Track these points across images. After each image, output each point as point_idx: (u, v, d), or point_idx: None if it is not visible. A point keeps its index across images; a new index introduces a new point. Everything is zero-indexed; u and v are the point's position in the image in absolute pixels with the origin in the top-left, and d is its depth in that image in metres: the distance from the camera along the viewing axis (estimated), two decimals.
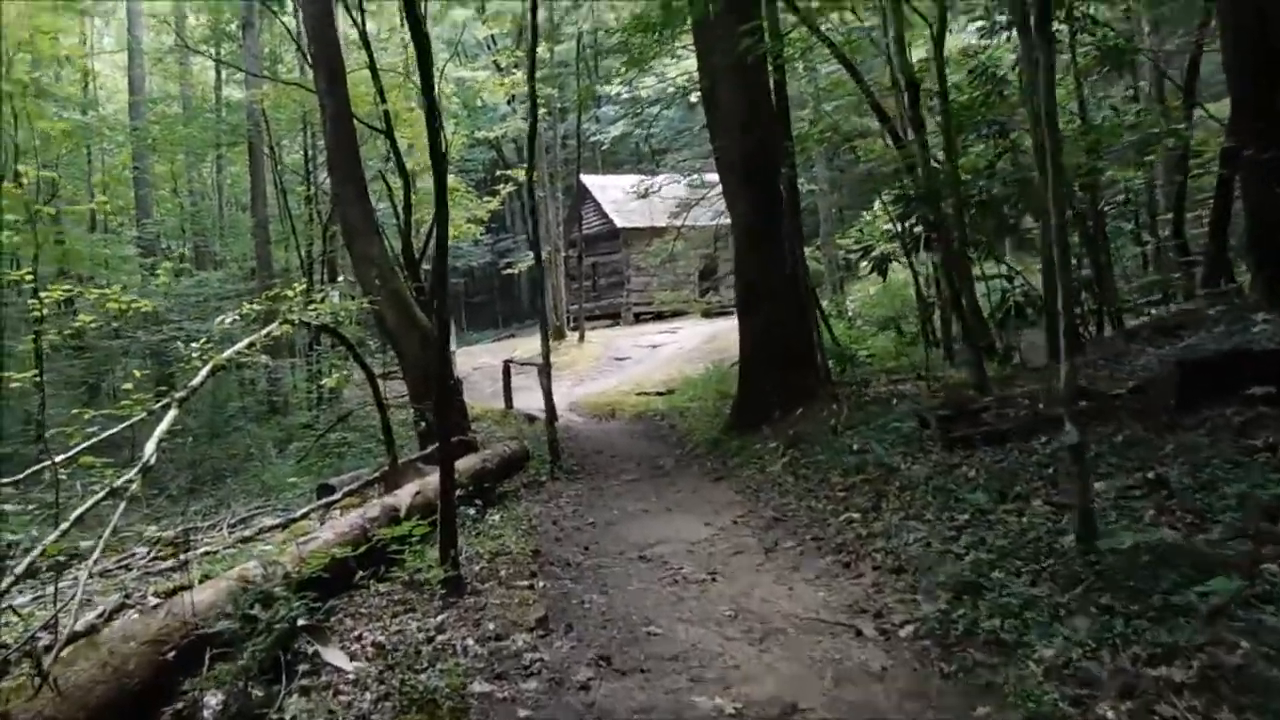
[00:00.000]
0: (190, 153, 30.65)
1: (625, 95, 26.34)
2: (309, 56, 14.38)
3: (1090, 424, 6.99)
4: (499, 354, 29.60)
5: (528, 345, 33.26)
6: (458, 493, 9.23)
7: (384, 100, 16.77)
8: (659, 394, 21.22)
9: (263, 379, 22.43)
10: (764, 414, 12.05)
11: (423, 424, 12.95)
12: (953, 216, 12.97)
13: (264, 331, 8.44)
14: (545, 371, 12.74)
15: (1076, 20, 12.60)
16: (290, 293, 8.77)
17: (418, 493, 8.58)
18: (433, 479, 9.01)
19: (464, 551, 7.28)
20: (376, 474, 10.81)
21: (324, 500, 10.26)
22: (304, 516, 10.01)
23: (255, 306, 8.90)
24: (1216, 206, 13.17)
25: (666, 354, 27.02)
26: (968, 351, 9.06)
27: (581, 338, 30.72)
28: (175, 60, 30.04)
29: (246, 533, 9.27)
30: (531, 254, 33.36)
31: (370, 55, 16.82)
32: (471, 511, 9.07)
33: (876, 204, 30.73)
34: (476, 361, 30.08)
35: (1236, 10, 10.24)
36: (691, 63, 22.43)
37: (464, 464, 10.01)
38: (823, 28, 15.82)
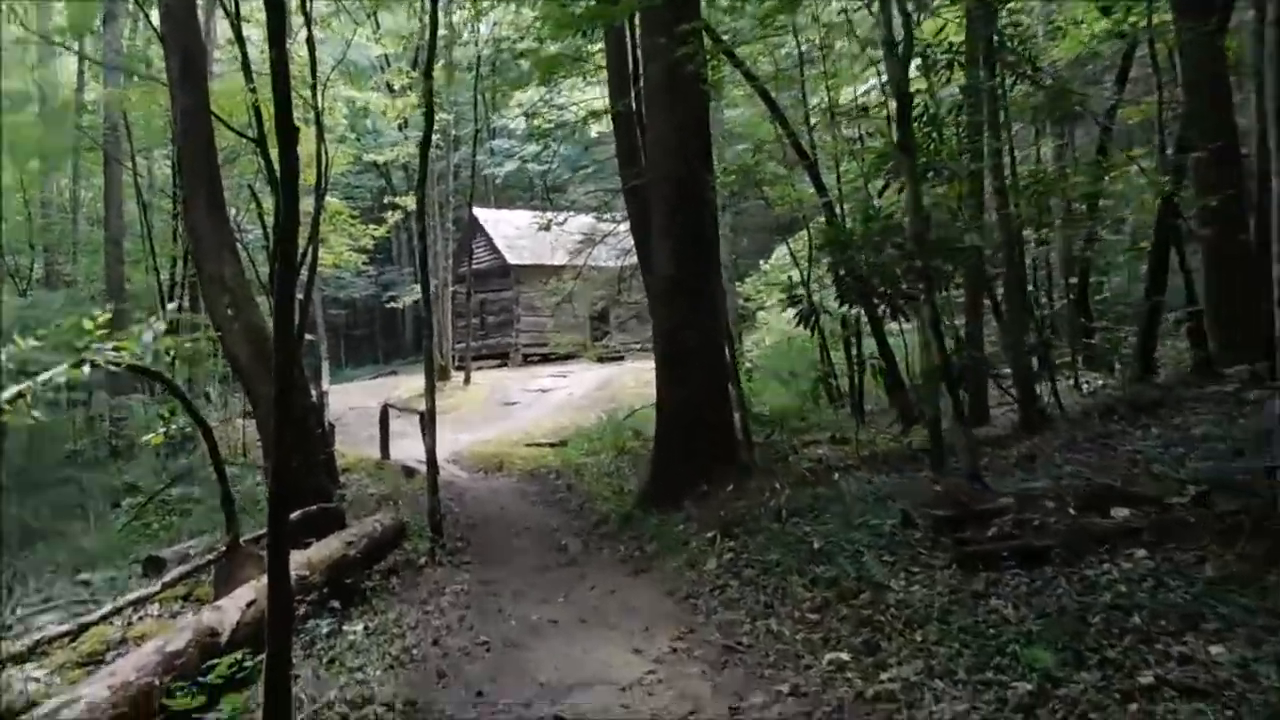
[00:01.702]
0: (45, 158, 27.24)
1: (522, 122, 24.33)
2: (162, 40, 11.88)
3: (1160, 546, 5.20)
4: (378, 393, 26.92)
5: (409, 383, 30.57)
6: (308, 597, 6.93)
7: (255, 95, 14.38)
8: (551, 445, 19.06)
9: (106, 417, 19.38)
10: (684, 487, 10.05)
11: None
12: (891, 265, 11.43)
13: (44, 377, 6.04)
14: (429, 429, 10.45)
15: (1015, 62, 11.22)
16: (89, 324, 6.36)
17: (251, 603, 6.24)
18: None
19: (307, 707, 5.01)
20: (211, 557, 8.38)
21: (132, 596, 7.79)
22: (104, 619, 7.55)
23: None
24: (1153, 265, 11.88)
25: (557, 400, 24.86)
26: (957, 427, 7.20)
27: (467, 379, 28.29)
28: (32, 55, 26.65)
29: (18, 645, 6.77)
30: (418, 288, 30.92)
31: (241, 43, 14.42)
32: (325, 626, 6.73)
33: (777, 252, 29.56)
34: (352, 401, 27.32)
35: None
36: (592, 92, 20.69)
37: (321, 552, 7.69)
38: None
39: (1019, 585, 5.22)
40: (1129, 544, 5.30)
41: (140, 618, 8.38)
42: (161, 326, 7.51)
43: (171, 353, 7.46)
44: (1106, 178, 12.72)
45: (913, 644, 5.14)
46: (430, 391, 10.44)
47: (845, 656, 5.29)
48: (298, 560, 7.24)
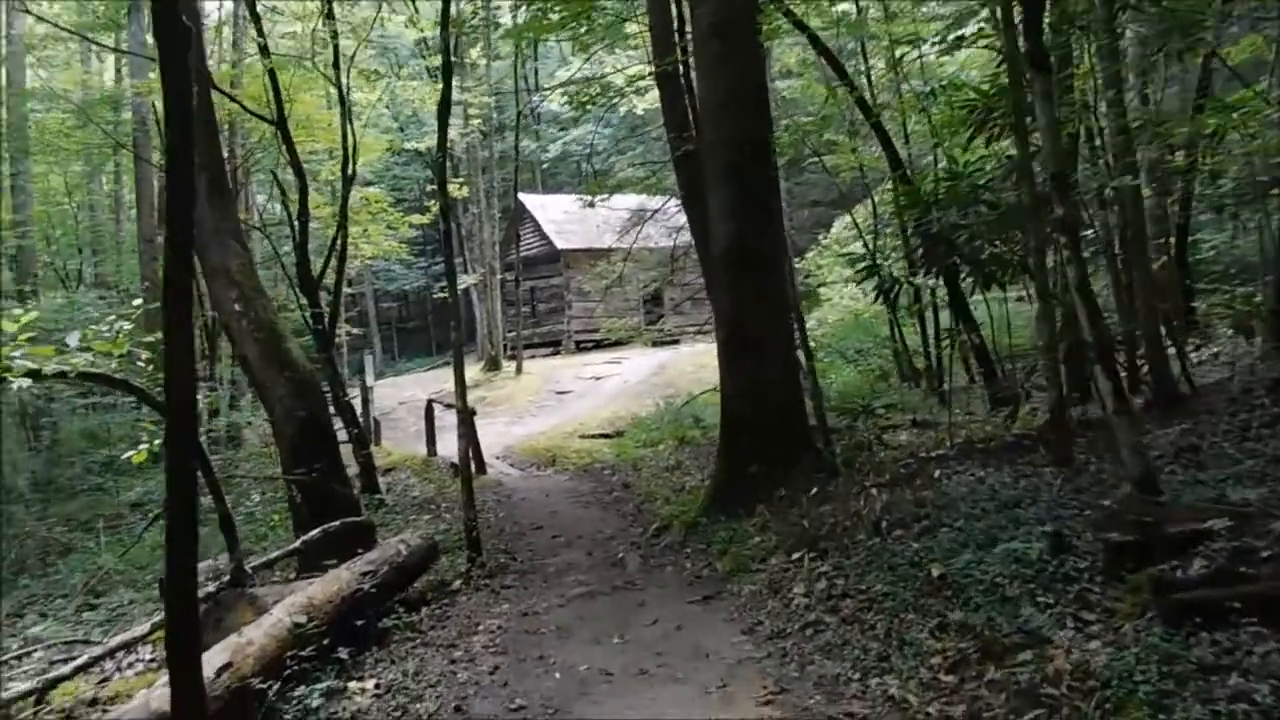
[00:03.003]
0: (89, 159, 26.40)
1: (565, 106, 22.78)
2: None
3: None
4: (430, 385, 25.62)
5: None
6: (304, 651, 5.47)
7: (273, 80, 13.02)
8: (605, 436, 17.55)
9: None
10: (757, 488, 8.43)
11: (297, 499, 9.14)
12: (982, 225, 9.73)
13: None
14: (464, 432, 8.96)
15: None
16: (10, 326, 4.94)
17: (224, 668, 4.79)
18: (271, 625, 5.30)
19: None
20: (210, 589, 6.99)
21: (114, 642, 6.45)
22: (80, 671, 6.23)
23: None
24: None
25: (611, 388, 23.33)
26: (1121, 418, 5.43)
27: (519, 369, 26.88)
28: (73, 52, 25.77)
29: None
30: (467, 277, 29.58)
31: (256, 20, 13.08)
32: (317, 695, 5.24)
33: (838, 224, 27.68)
34: (404, 394, 26.10)
35: None
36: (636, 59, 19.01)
37: (326, 590, 6.23)
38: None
39: (1271, 656, 3.55)
40: None
41: (130, 664, 7.04)
42: (127, 326, 6.13)
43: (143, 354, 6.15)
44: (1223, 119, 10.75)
45: None
46: (461, 392, 8.96)
47: None
48: (294, 604, 5.80)
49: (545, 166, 40.21)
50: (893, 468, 8.51)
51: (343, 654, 5.87)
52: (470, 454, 8.85)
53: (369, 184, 26.63)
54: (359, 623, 6.19)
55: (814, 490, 7.85)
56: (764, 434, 8.75)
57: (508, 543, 9.89)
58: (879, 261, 10.88)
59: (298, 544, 8.19)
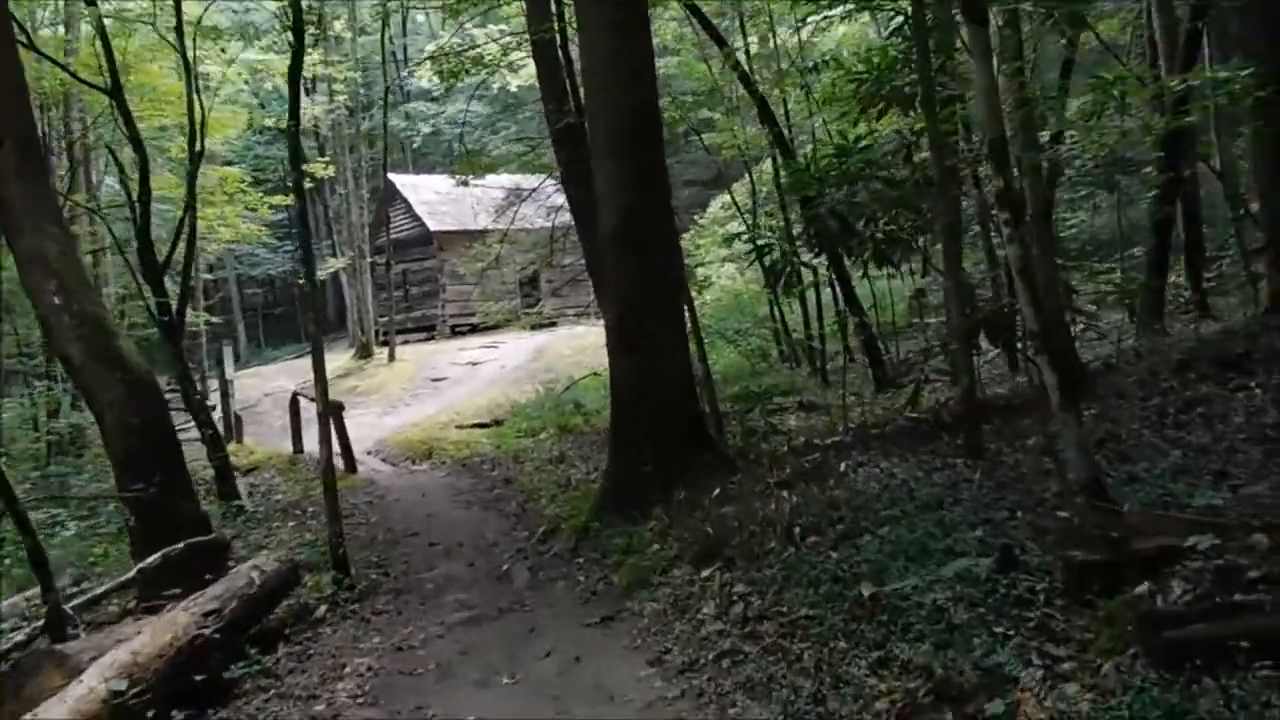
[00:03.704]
0: None
1: (436, 82, 21.42)
2: None
3: None
4: (298, 374, 23.91)
5: (333, 361, 27.64)
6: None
7: (104, 40, 11.48)
8: (484, 426, 16.55)
9: None
10: (652, 487, 7.65)
11: (131, 521, 7.89)
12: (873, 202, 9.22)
13: None
14: (324, 438, 7.86)
15: None
16: None
17: None
18: (79, 697, 4.24)
19: None
20: (11, 640, 5.81)
21: None
22: None
23: None
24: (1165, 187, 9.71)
25: (489, 373, 22.26)
26: (1065, 414, 4.84)
27: (392, 355, 25.46)
28: None
29: None
30: (335, 262, 27.84)
31: None
32: None
33: (714, 204, 27.17)
34: (269, 385, 24.36)
35: None
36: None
37: (155, 643, 5.14)
38: None
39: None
40: None
41: None
42: None
43: None
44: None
45: None
46: (323, 390, 7.85)
47: None
48: (113, 664, 4.70)
49: (416, 146, 38.44)
50: (794, 461, 7.87)
51: (177, 719, 4.82)
52: (333, 459, 7.77)
53: (229, 164, 24.69)
54: (198, 677, 5.14)
55: (716, 491, 7.11)
56: (658, 427, 7.97)
57: (380, 554, 8.87)
58: (771, 241, 10.23)
59: (132, 573, 6.99)
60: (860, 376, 12.95)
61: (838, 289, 14.03)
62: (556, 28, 11.48)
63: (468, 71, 12.37)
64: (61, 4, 17.26)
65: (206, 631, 5.42)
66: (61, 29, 17.64)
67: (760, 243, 10.12)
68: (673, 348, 8.19)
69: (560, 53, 12.09)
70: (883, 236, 9.44)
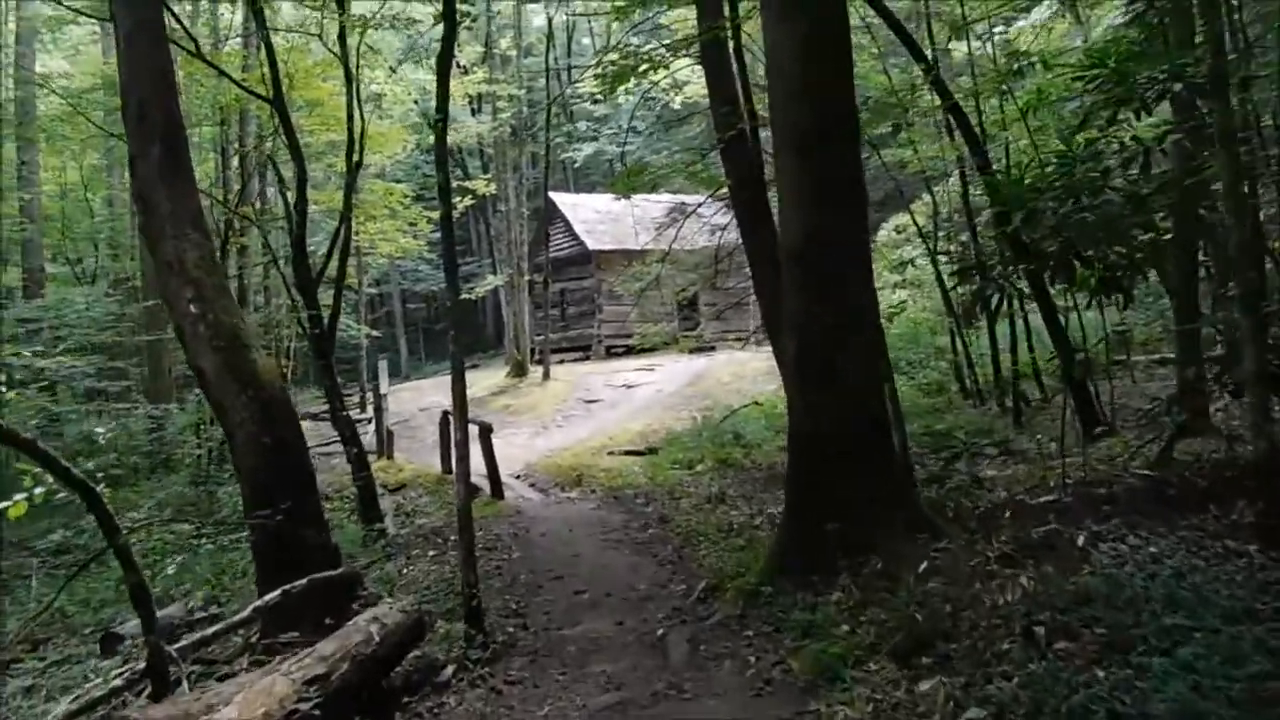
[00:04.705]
0: (111, 152, 24.64)
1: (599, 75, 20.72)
2: None
3: None
4: None
5: (487, 379, 27.42)
6: None
7: (269, 50, 11.12)
8: (637, 453, 15.50)
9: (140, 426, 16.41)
10: (836, 552, 6.31)
11: (263, 543, 7.17)
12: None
13: None
14: (461, 473, 6.88)
15: None
16: None
17: None
18: None
19: None
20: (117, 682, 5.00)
21: None
22: None
23: None
24: None
25: (644, 397, 21.27)
26: None
27: (546, 374, 24.87)
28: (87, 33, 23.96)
29: None
30: (493, 278, 27.57)
31: None
32: None
33: (884, 227, 25.48)
34: (425, 399, 24.14)
35: None
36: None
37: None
38: None
39: None
40: None
41: None
42: None
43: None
44: None
45: None
46: (462, 422, 6.88)
47: None
48: None
49: (577, 166, 38.24)
50: (1012, 526, 6.39)
51: None
52: (470, 496, 6.78)
53: (397, 182, 24.85)
54: None
55: (923, 564, 5.72)
56: (846, 479, 6.63)
57: (520, 600, 7.86)
58: (979, 263, 8.74)
59: (246, 612, 6.19)
60: (1059, 419, 11.28)
61: (1017, 321, 12.42)
62: (729, 24, 10.34)
63: (633, 72, 11.35)
64: (238, 20, 17.40)
65: (306, 706, 4.46)
66: (239, 43, 17.82)
67: (967, 265, 8.61)
68: (866, 389, 6.84)
69: (732, 49, 10.99)
70: (1119, 259, 7.83)
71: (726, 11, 10.47)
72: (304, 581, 6.58)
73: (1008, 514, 6.54)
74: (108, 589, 10.21)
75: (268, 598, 6.27)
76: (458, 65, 25.87)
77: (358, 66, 12.77)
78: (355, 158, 12.23)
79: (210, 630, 6.06)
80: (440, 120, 6.60)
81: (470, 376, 30.88)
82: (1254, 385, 5.13)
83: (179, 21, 12.82)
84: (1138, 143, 8.88)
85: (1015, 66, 11.73)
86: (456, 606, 7.04)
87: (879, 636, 5.23)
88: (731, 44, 11.00)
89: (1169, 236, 7.41)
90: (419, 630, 6.15)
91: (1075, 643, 4.41)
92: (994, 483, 8.77)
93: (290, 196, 12.06)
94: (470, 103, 28.61)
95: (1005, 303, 8.93)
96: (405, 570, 9.33)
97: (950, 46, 15.70)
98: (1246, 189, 6.71)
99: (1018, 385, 12.37)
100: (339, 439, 11.49)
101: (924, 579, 5.63)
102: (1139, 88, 7.67)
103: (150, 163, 7.49)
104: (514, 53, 26.64)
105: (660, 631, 6.58)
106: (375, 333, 25.83)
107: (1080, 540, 5.81)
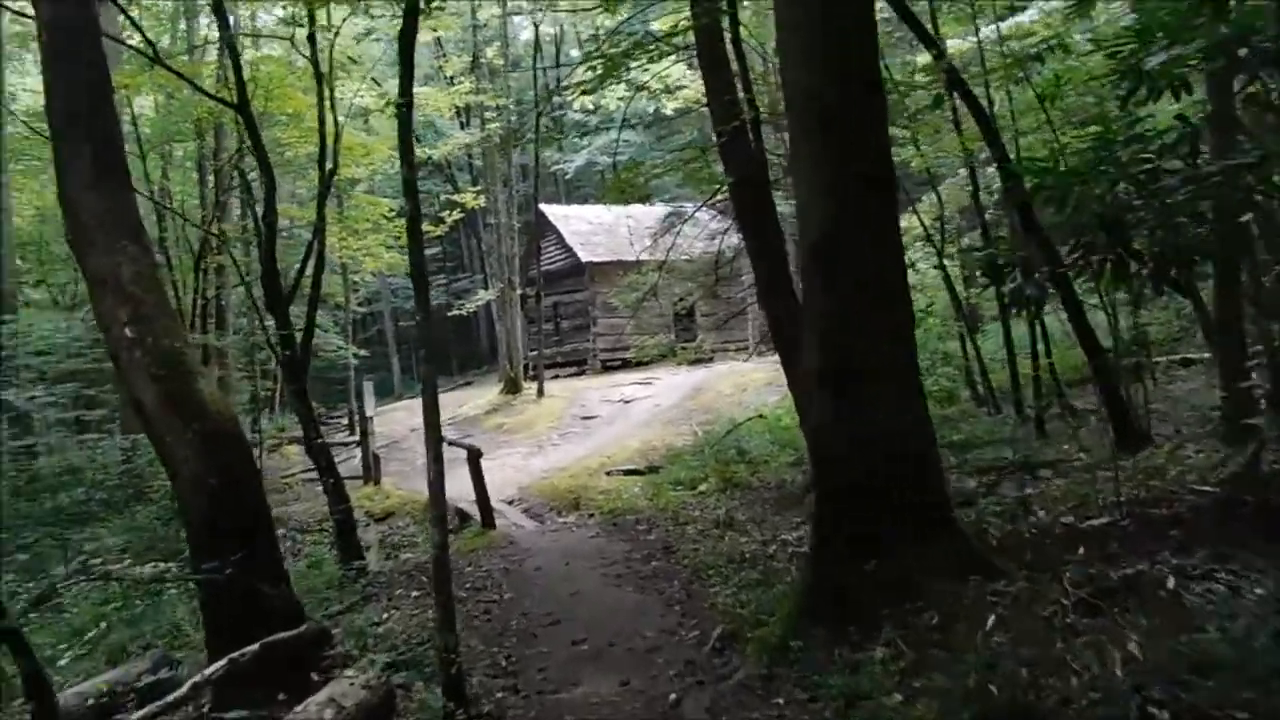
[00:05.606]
0: None
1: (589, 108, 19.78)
2: None
3: None
4: (446, 408, 22.62)
5: (480, 396, 26.43)
6: None
7: (233, 54, 10.16)
8: (637, 473, 14.48)
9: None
10: (876, 596, 5.34)
11: (212, 599, 6.15)
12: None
13: None
14: (437, 511, 5.88)
15: None
16: None
17: None
18: None
19: None
20: None
21: None
22: None
23: None
24: None
25: (642, 412, 20.25)
26: None
27: (540, 391, 23.85)
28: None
29: None
30: (485, 292, 26.57)
31: None
32: None
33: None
34: (417, 419, 22.97)
35: None
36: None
37: None
38: None
39: None
40: None
41: None
42: None
43: None
44: None
45: None
46: (437, 454, 5.90)
47: None
48: None
49: (569, 178, 37.31)
50: (1080, 561, 5.39)
51: None
52: (447, 549, 5.77)
53: (385, 197, 23.91)
54: None
55: (989, 619, 4.71)
56: (883, 509, 5.64)
57: (510, 654, 6.84)
58: (1014, 258, 7.76)
59: (184, 689, 5.16)
60: (1085, 428, 10.35)
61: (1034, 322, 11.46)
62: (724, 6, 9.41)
63: (626, 58, 10.39)
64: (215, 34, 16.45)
65: None
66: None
67: (1006, 262, 7.62)
68: (902, 403, 5.85)
69: (728, 35, 10.08)
70: (1171, 250, 6.86)
71: None
72: (256, 647, 5.58)
73: (1080, 549, 5.52)
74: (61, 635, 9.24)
75: (208, 670, 5.28)
76: (443, 78, 25.00)
77: (330, 68, 11.78)
78: (329, 165, 11.26)
79: (140, 714, 5.02)
80: (403, 105, 5.62)
81: (463, 394, 29.97)
82: None
83: (136, 26, 11.89)
84: (1183, 122, 7.91)
85: (1035, 50, 10.79)
86: (430, 677, 6.02)
87: (944, 712, 4.23)
88: (729, 35, 10.07)
89: (1245, 218, 6.41)
90: (387, 707, 5.14)
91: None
92: (1031, 502, 7.79)
93: (259, 210, 11.04)
94: (458, 115, 27.63)
95: (1042, 300, 7.97)
96: (384, 616, 8.30)
97: (952, 37, 14.74)
98: None
99: (1041, 391, 11.44)
100: (316, 471, 10.48)
101: (974, 625, 4.64)
102: (1202, 53, 6.72)
103: (79, 168, 6.50)
104: (500, 62, 25.69)
105: (673, 696, 5.56)
106: (364, 352, 24.79)
107: (1170, 581, 4.84)
